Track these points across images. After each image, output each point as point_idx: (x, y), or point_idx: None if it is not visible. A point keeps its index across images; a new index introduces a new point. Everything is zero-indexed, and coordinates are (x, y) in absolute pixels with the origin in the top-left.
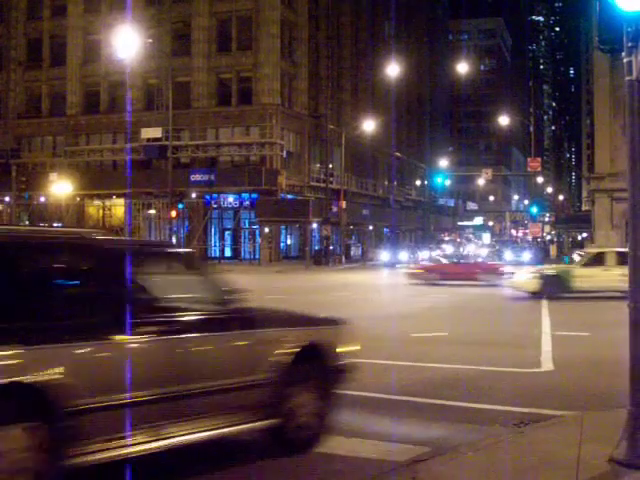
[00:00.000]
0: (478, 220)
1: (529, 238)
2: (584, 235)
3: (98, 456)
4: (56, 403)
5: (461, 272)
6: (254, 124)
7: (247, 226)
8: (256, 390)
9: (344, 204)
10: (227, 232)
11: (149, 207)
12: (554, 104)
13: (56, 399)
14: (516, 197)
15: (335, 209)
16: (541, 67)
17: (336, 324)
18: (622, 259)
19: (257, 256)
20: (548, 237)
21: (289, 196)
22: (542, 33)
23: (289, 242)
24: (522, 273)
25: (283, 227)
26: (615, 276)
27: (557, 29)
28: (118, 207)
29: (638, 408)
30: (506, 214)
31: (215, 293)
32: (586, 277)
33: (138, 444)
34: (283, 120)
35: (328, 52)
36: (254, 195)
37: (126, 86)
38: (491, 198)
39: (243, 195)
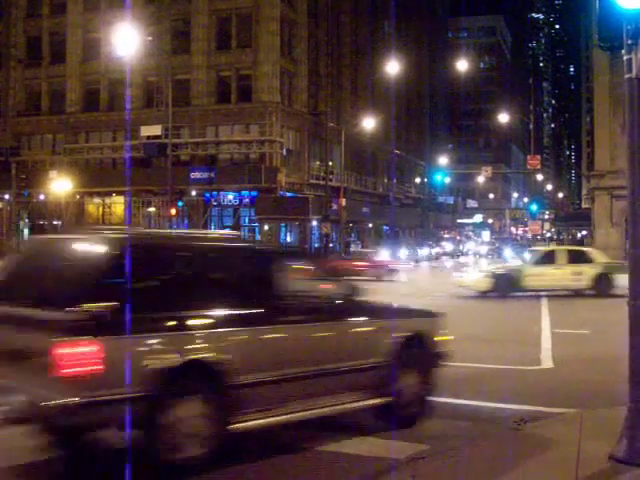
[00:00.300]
0: (478, 218)
1: (529, 236)
2: (584, 233)
3: (251, 423)
4: (225, 379)
5: (348, 268)
6: (254, 122)
7: (247, 224)
8: (373, 371)
9: (344, 202)
10: (227, 229)
11: (149, 205)
12: (554, 102)
13: (224, 375)
14: (516, 195)
15: (335, 207)
16: (541, 65)
17: (434, 316)
18: (572, 257)
19: None
20: (548, 235)
21: (289, 194)
22: (542, 30)
23: (289, 240)
24: (473, 272)
25: (283, 225)
26: (567, 274)
27: (557, 26)
28: (118, 205)
29: (638, 405)
30: (506, 212)
31: (344, 289)
32: (537, 275)
33: (282, 415)
34: (283, 118)
35: (328, 50)
36: (254, 193)
37: (126, 84)
38: (491, 196)
39: (243, 193)
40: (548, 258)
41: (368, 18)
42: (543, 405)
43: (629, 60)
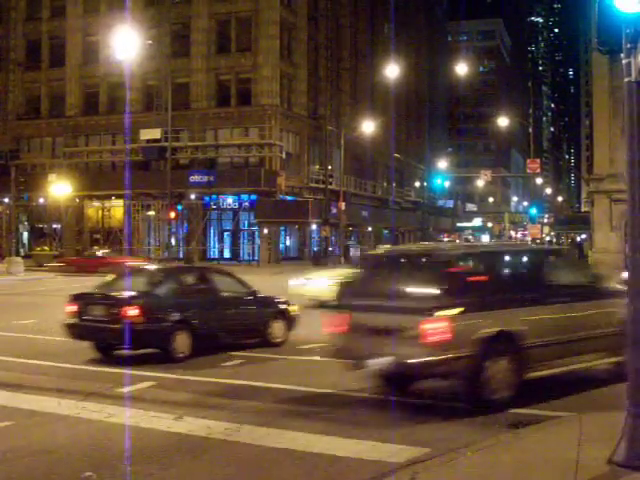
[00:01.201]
0: (477, 221)
1: (528, 239)
2: (583, 236)
3: (537, 373)
4: (520, 342)
5: (89, 265)
6: (253, 125)
7: (246, 227)
8: (610, 337)
9: (343, 205)
10: (226, 233)
11: (148, 208)
12: (553, 105)
13: (520, 340)
14: (515, 198)
15: (334, 210)
16: (540, 68)
17: None
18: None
19: (256, 257)
20: (547, 238)
21: (288, 197)
22: (541, 34)
23: (288, 243)
24: (319, 279)
25: (282, 228)
26: None
27: (556, 30)
28: (117, 208)
29: (637, 409)
30: (505, 215)
31: (588, 276)
32: None
33: (554, 367)
34: (282, 121)
35: (327, 53)
36: (253, 196)
37: (125, 87)
38: (490, 199)
39: (242, 196)
40: None
41: (368, 22)
42: (542, 408)
43: (628, 64)
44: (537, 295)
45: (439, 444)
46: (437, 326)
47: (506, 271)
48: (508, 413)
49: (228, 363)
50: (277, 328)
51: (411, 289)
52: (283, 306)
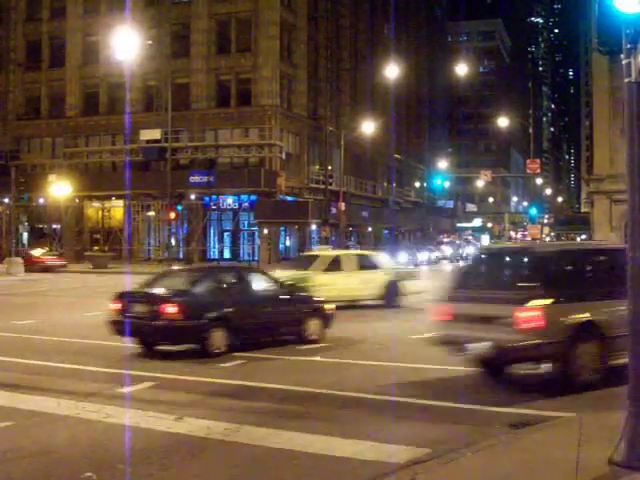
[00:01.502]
0: (477, 222)
1: (528, 240)
2: (583, 237)
3: (615, 362)
4: (604, 332)
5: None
6: (253, 126)
7: (246, 227)
8: None
9: (343, 205)
10: (226, 233)
11: (148, 209)
12: (553, 106)
13: (604, 329)
14: (515, 199)
15: (334, 210)
16: (540, 69)
17: None
18: (362, 263)
19: (256, 257)
20: (547, 239)
21: (288, 198)
22: (541, 35)
23: (288, 243)
24: None
25: (282, 228)
26: (357, 283)
27: (556, 31)
28: (117, 209)
29: (637, 409)
30: (505, 216)
31: None
32: (326, 285)
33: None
34: (282, 122)
35: (327, 54)
36: (253, 196)
37: (125, 87)
38: (490, 200)
39: (242, 196)
40: (336, 264)
41: (367, 22)
42: (542, 409)
43: (628, 64)
44: (621, 289)
45: (439, 444)
46: (531, 314)
47: (594, 267)
48: (508, 413)
49: (228, 363)
50: (313, 325)
51: (509, 282)
52: (319, 304)
